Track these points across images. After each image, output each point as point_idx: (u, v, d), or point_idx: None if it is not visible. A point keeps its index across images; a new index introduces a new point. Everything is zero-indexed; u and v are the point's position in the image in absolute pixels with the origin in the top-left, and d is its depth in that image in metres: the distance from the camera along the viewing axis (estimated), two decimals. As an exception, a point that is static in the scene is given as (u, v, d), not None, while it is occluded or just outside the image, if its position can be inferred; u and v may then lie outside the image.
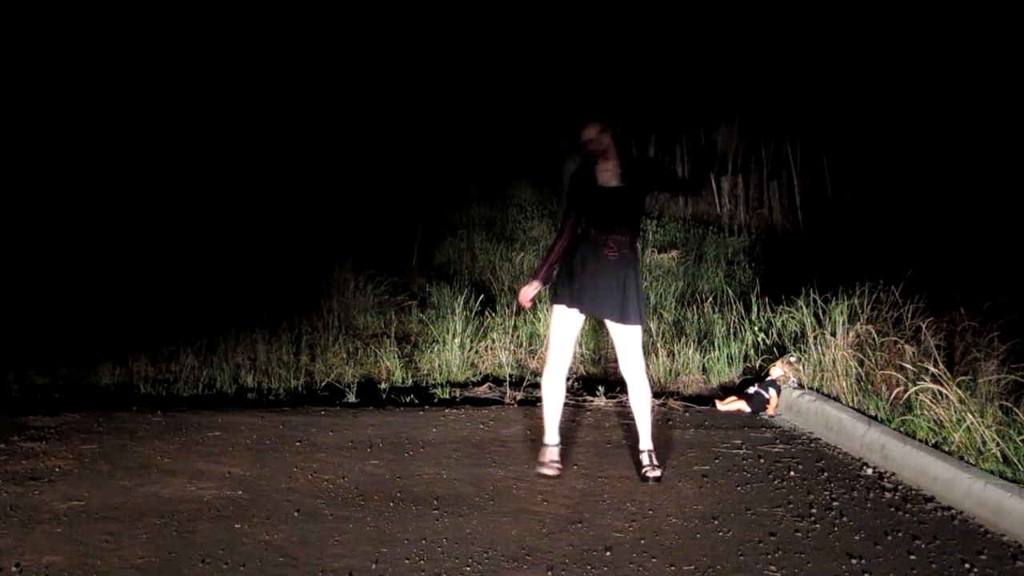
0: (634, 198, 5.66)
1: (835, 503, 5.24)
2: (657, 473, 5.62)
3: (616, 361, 5.84)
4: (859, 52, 13.82)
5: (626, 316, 5.55)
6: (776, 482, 5.61)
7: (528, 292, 5.70)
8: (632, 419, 5.81)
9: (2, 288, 10.16)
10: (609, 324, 5.69)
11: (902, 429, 6.03)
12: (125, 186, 14.12)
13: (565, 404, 5.94)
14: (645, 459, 5.69)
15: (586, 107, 6.28)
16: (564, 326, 5.67)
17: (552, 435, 5.83)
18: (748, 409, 7.24)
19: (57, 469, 5.63)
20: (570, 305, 5.61)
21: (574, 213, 5.66)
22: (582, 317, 5.67)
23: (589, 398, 7.43)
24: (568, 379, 6.37)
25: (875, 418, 6.32)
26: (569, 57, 17.03)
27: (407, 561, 4.45)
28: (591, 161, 5.68)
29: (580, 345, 8.22)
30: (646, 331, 8.62)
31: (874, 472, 5.77)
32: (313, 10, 17.79)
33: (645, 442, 5.74)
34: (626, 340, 5.64)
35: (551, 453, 5.78)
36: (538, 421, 6.10)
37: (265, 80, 17.27)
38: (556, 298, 5.70)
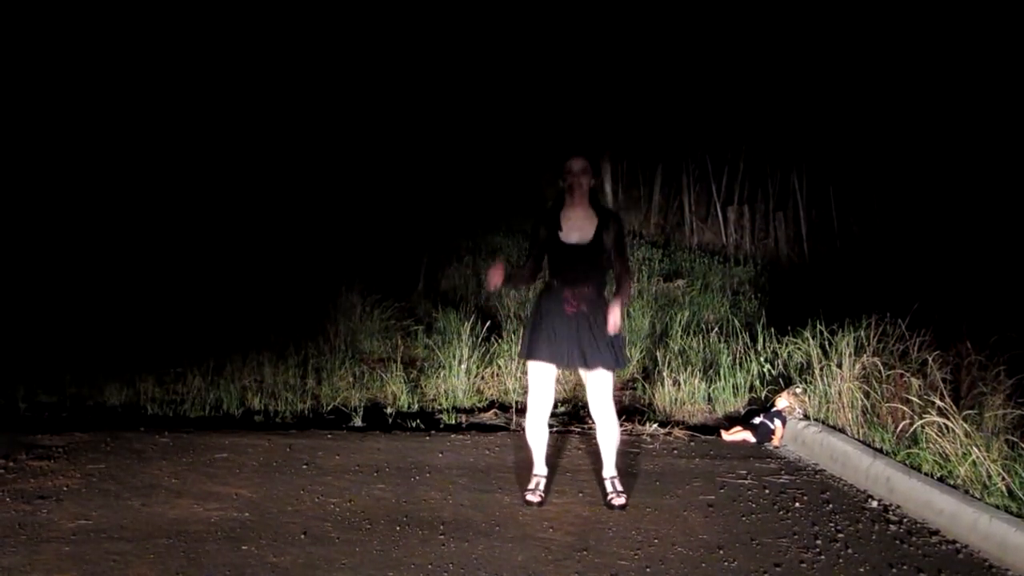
0: (595, 255, 5.64)
1: (840, 535, 5.25)
2: (622, 500, 5.69)
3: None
4: (866, 86, 13.89)
5: (592, 362, 5.57)
6: (781, 513, 5.61)
7: (494, 276, 5.65)
8: (639, 446, 5.81)
9: (12, 308, 10.20)
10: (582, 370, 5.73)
11: (907, 462, 6.03)
12: (136, 208, 14.16)
13: (570, 432, 5.97)
14: (609, 486, 5.77)
15: (580, 141, 6.33)
16: (538, 374, 5.71)
17: (540, 466, 5.88)
18: (753, 440, 7.24)
19: (65, 488, 5.65)
20: (537, 357, 5.63)
21: (532, 261, 5.75)
22: (552, 365, 5.68)
23: (593, 427, 7.43)
24: (561, 410, 6.39)
25: (881, 450, 6.32)
26: (581, 88, 17.14)
27: (413, 586, 4.46)
28: (559, 203, 5.70)
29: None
30: (640, 361, 8.67)
31: (879, 504, 5.78)
32: (331, 39, 17.90)
33: (609, 469, 5.81)
34: (594, 383, 5.68)
35: (535, 481, 5.83)
36: (551, 449, 6.12)
37: (282, 107, 17.35)
38: (525, 351, 5.73)
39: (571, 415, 7.86)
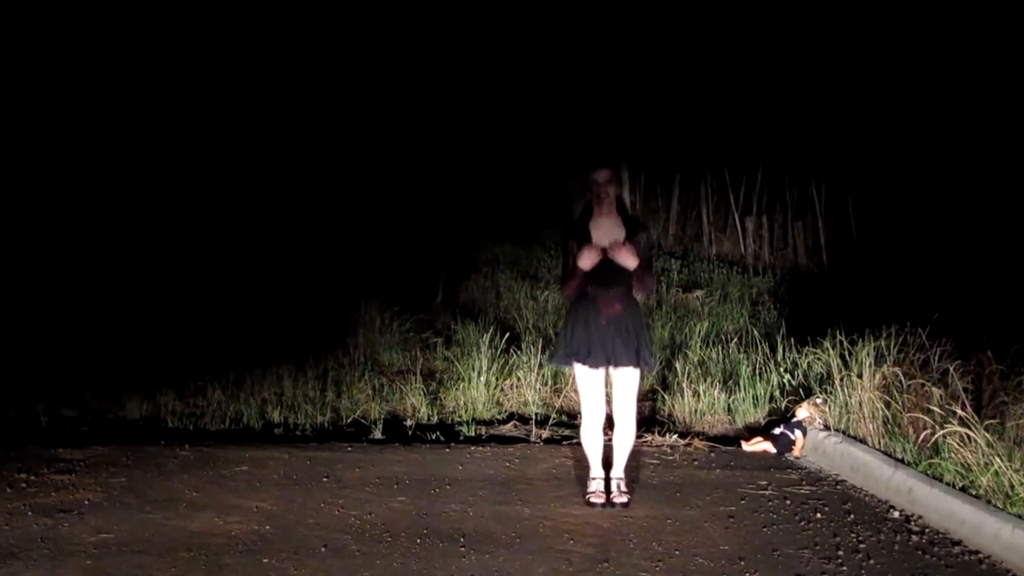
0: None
1: (862, 545, 5.22)
2: (624, 499, 5.83)
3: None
4: (886, 96, 13.85)
5: (620, 360, 5.73)
6: (802, 524, 5.59)
7: (590, 255, 5.70)
8: (659, 457, 5.83)
9: (34, 323, 10.26)
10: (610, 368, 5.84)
11: (929, 472, 6.00)
12: (159, 222, 14.23)
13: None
14: (615, 486, 5.90)
15: (599, 152, 6.45)
16: (585, 380, 5.85)
17: (596, 468, 5.99)
18: (774, 450, 7.22)
19: (86, 502, 5.68)
20: (582, 361, 5.77)
21: (574, 271, 5.79)
22: (600, 369, 5.77)
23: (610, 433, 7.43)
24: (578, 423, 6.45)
25: (902, 461, 6.28)
26: (600, 99, 17.16)
27: (434, 598, 4.46)
28: (587, 213, 5.86)
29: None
30: (660, 371, 8.66)
31: (901, 515, 5.74)
32: (354, 51, 18.00)
33: (617, 471, 5.95)
34: (620, 383, 5.83)
35: (594, 484, 5.93)
36: (567, 460, 6.12)
37: (306, 121, 17.44)
38: (569, 357, 5.85)
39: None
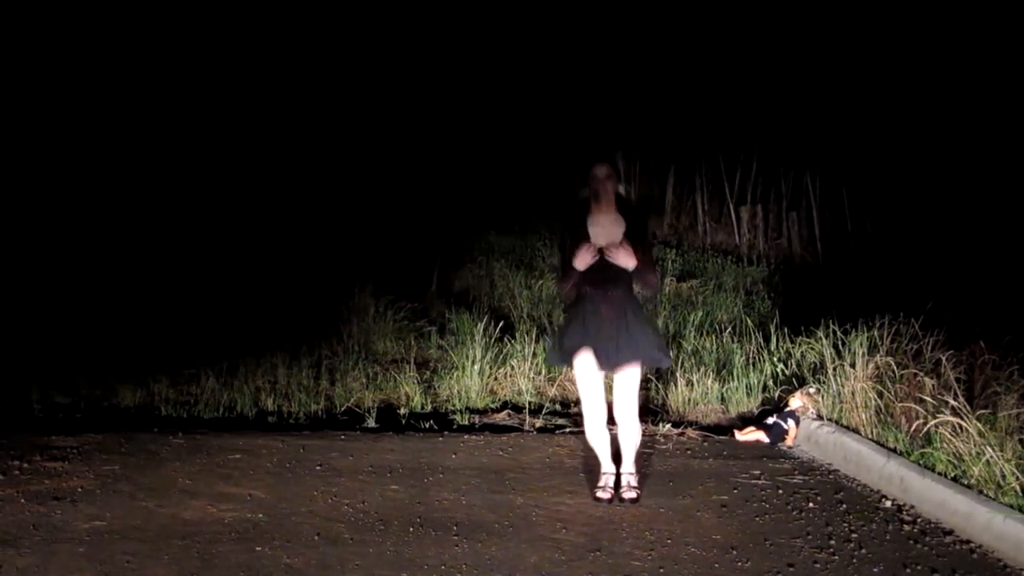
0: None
1: (854, 535, 5.24)
2: (634, 495, 5.77)
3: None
4: (880, 86, 13.86)
5: (620, 360, 5.66)
6: (795, 513, 5.60)
7: (586, 254, 5.66)
8: (652, 447, 5.83)
9: (27, 310, 10.25)
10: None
11: (921, 462, 6.01)
12: (151, 210, 14.20)
13: (583, 434, 6.02)
14: (625, 481, 5.86)
15: (594, 142, 6.40)
16: (585, 380, 5.79)
17: (607, 464, 5.94)
18: (767, 440, 7.23)
19: (79, 489, 5.68)
20: (575, 360, 5.73)
21: (570, 270, 5.74)
22: (593, 366, 5.73)
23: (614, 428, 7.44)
24: (574, 411, 6.45)
25: (894, 450, 6.30)
26: (594, 88, 17.13)
27: (426, 586, 4.47)
28: (584, 209, 5.75)
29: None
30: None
31: (893, 505, 5.76)
32: (346, 41, 17.96)
33: (627, 466, 5.90)
34: (620, 382, 5.75)
35: (604, 480, 5.90)
36: (561, 449, 6.12)
37: (297, 109, 17.40)
38: (569, 356, 5.79)
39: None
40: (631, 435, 5.83)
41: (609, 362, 5.67)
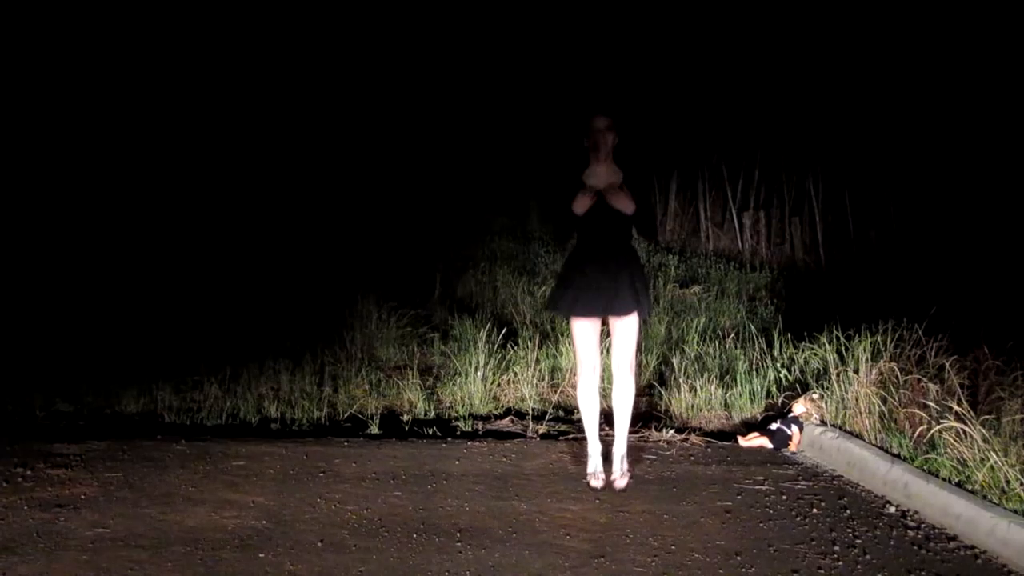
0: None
1: (858, 541, 5.23)
2: (624, 483, 5.82)
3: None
4: (883, 92, 13.85)
5: (620, 308, 5.69)
6: (799, 519, 5.60)
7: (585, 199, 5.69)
8: (656, 453, 5.82)
9: (30, 317, 10.25)
10: (611, 318, 5.81)
11: (925, 467, 6.01)
12: (154, 217, 14.22)
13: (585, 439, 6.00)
14: (618, 465, 5.89)
15: (602, 101, 6.40)
16: (581, 334, 5.80)
17: (594, 441, 5.95)
18: (770, 445, 7.22)
19: (82, 496, 5.68)
20: (578, 313, 5.74)
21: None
22: (597, 321, 5.72)
23: (610, 432, 7.43)
24: (576, 417, 6.42)
25: (898, 456, 6.29)
26: (597, 94, 17.10)
27: (430, 593, 4.46)
28: (583, 164, 5.81)
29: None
30: (657, 367, 8.65)
31: (897, 510, 5.76)
32: (344, 46, 17.98)
33: (620, 446, 5.91)
34: (620, 332, 5.77)
35: (592, 463, 5.94)
36: (564, 455, 6.12)
37: (300, 115, 17.42)
38: (566, 310, 5.82)
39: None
40: (627, 395, 5.84)
41: (610, 307, 5.67)
